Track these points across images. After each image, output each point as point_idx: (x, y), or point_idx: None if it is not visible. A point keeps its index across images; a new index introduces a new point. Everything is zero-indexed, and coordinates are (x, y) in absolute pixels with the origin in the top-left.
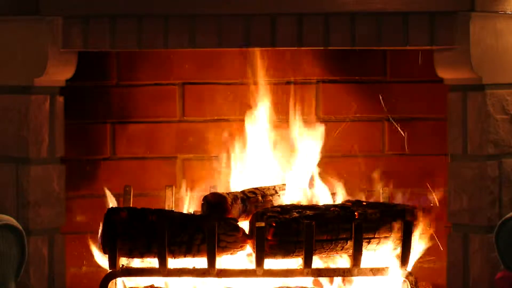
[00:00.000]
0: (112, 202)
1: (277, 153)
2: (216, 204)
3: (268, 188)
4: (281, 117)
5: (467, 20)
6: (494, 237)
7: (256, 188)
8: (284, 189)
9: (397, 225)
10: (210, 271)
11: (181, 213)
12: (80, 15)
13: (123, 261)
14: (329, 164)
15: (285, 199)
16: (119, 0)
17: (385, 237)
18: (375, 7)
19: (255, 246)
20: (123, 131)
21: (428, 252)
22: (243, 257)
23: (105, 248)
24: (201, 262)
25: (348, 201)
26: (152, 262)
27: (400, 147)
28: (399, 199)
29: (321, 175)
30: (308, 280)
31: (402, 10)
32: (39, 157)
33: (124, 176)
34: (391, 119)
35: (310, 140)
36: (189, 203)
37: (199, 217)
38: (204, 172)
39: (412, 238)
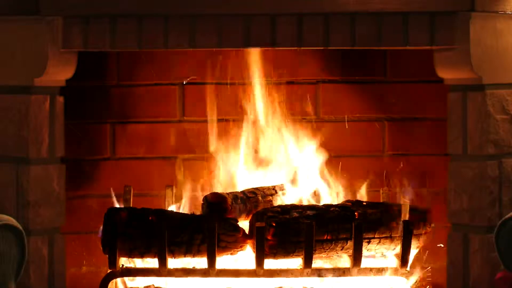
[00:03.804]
0: (117, 204)
1: (277, 153)
2: (216, 204)
3: (268, 188)
4: (281, 117)
5: (467, 20)
6: (494, 237)
7: (256, 188)
8: (284, 189)
9: (397, 225)
10: (210, 271)
11: (181, 213)
12: (80, 15)
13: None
14: (329, 164)
15: (285, 199)
16: (119, 0)
17: (385, 237)
18: (375, 7)
19: (255, 246)
20: (123, 131)
21: (427, 252)
22: (243, 257)
23: (105, 248)
24: (201, 262)
25: (348, 201)
26: (151, 261)
27: (400, 147)
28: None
29: (321, 174)
30: (308, 280)
31: (402, 10)
32: (39, 157)
33: (124, 176)
34: None
35: (310, 140)
36: (189, 203)
37: (199, 217)
38: (204, 172)
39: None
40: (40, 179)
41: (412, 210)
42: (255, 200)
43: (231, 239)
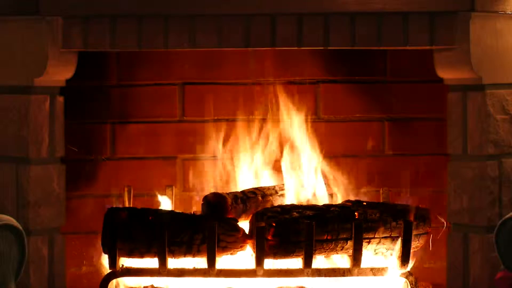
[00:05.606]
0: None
1: (277, 153)
2: (216, 204)
3: (268, 188)
4: (281, 117)
5: (467, 20)
6: (494, 237)
7: (256, 188)
8: (284, 189)
9: (397, 225)
10: (210, 271)
11: (181, 213)
12: (80, 15)
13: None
14: (329, 163)
15: (285, 199)
16: (119, 0)
17: (385, 237)
18: (375, 7)
19: (255, 246)
20: (123, 131)
21: (427, 252)
22: (243, 257)
23: (105, 248)
24: (201, 262)
25: (348, 201)
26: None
27: (400, 147)
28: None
29: (321, 174)
30: (308, 280)
31: (402, 10)
32: (39, 157)
33: (124, 176)
34: None
35: (310, 140)
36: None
37: (199, 217)
38: (204, 172)
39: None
40: (40, 179)
41: (412, 210)
42: (255, 200)
43: (231, 239)
